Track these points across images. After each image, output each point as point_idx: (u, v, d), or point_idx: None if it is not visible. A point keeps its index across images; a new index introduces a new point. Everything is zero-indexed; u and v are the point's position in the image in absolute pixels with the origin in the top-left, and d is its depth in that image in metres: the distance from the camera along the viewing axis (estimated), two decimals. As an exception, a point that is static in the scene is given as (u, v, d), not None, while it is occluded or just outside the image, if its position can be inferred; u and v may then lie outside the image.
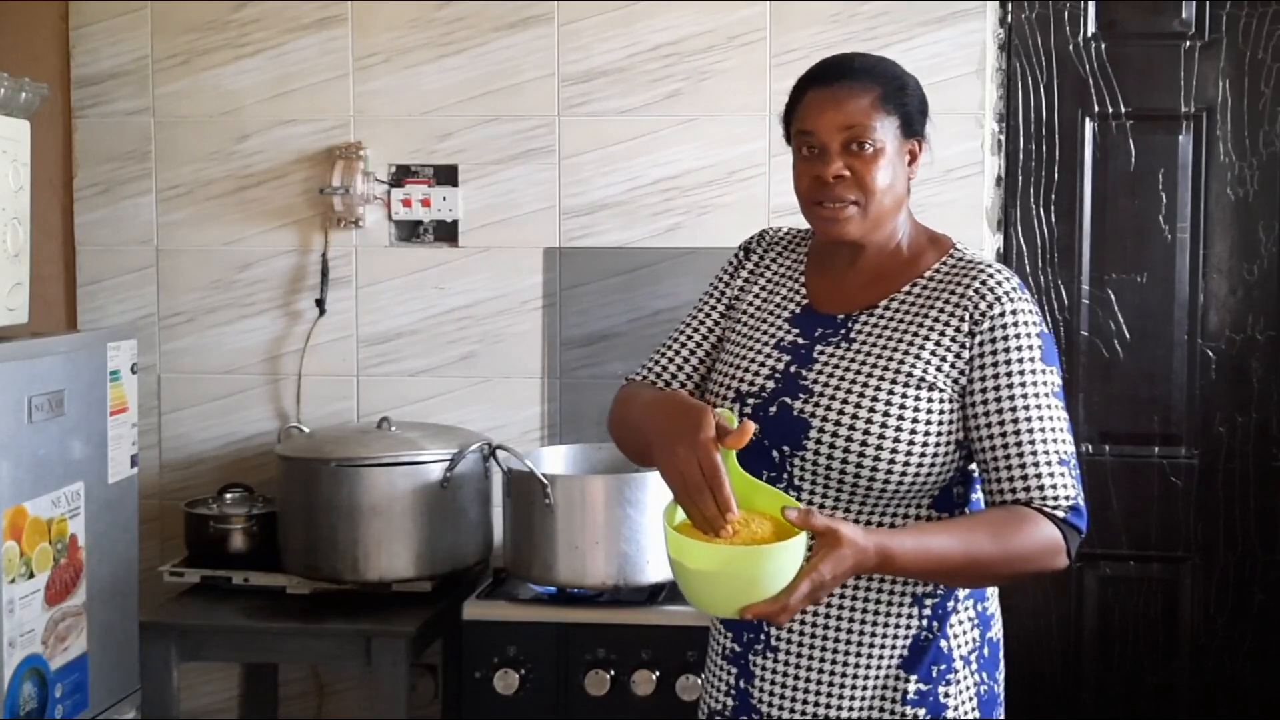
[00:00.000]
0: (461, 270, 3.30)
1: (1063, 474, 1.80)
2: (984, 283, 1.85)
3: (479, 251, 3.29)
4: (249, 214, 3.35)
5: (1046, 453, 1.80)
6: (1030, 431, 1.80)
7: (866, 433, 1.82)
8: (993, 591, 1.95)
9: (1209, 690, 3.24)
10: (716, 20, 3.19)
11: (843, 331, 1.91)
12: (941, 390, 1.83)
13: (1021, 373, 1.81)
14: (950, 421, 1.84)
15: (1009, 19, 3.20)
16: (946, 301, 1.86)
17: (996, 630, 1.96)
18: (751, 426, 1.68)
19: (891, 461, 1.82)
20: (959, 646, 1.89)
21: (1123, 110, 3.18)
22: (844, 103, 1.87)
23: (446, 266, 3.30)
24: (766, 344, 1.94)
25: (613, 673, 2.72)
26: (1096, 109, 3.19)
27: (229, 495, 3.23)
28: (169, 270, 3.38)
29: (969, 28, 3.13)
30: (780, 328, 1.95)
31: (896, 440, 1.81)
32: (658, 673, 2.71)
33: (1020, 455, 1.80)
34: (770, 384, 1.90)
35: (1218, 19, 3.15)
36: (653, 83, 3.22)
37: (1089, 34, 3.19)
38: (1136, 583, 3.24)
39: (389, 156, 3.29)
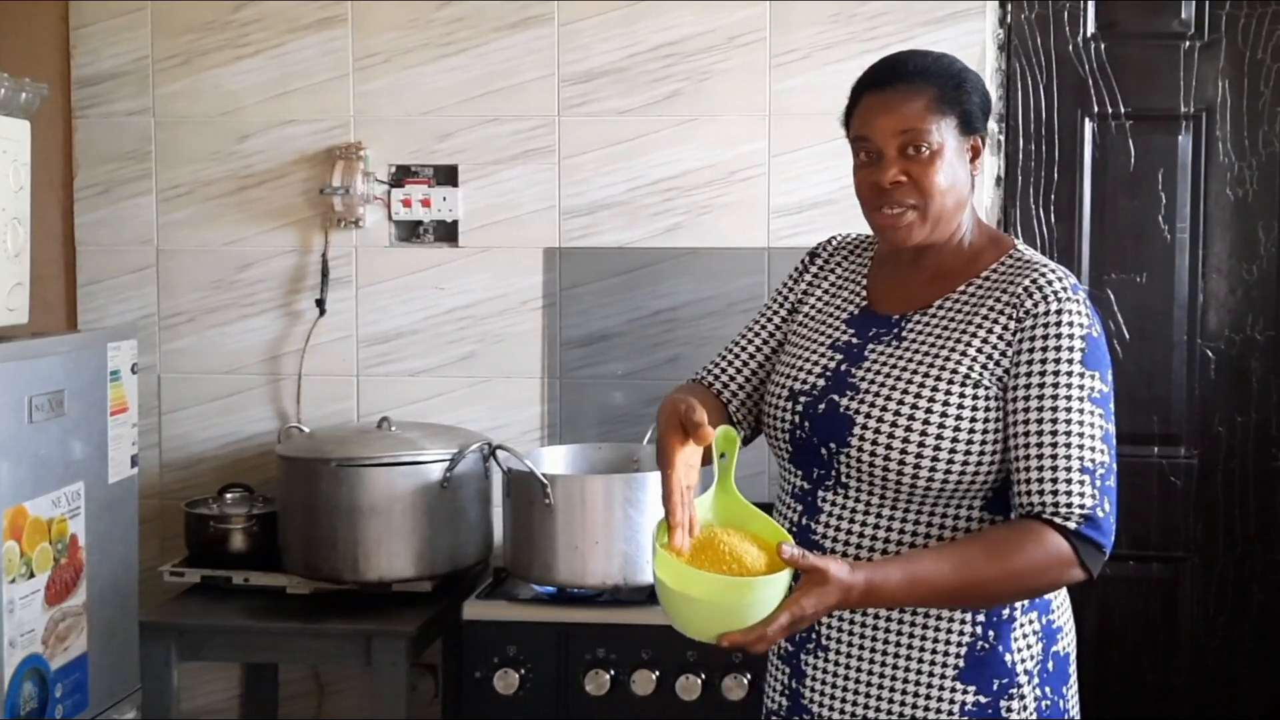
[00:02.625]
0: (461, 270, 3.30)
1: (1082, 483, 1.75)
2: (1034, 280, 1.82)
3: (479, 251, 3.29)
4: (249, 214, 3.35)
5: (1068, 459, 1.75)
6: (1055, 435, 1.76)
7: (909, 429, 1.80)
8: (1060, 603, 1.90)
9: (1208, 690, 3.24)
10: (716, 20, 3.19)
11: (895, 330, 1.90)
12: (988, 388, 1.81)
13: (1057, 374, 1.78)
14: (997, 420, 1.81)
15: (1008, 19, 3.20)
16: (998, 300, 1.84)
17: (1065, 644, 1.90)
18: (708, 435, 1.71)
19: (935, 459, 1.80)
20: (1023, 660, 1.84)
21: (1122, 110, 3.19)
22: (898, 107, 1.85)
23: (446, 266, 3.30)
24: (822, 344, 1.95)
25: (613, 673, 2.72)
26: (1096, 109, 3.19)
27: (229, 495, 3.23)
28: (169, 270, 3.38)
29: (969, 28, 3.13)
30: (837, 328, 1.96)
31: (940, 438, 1.80)
32: (658, 673, 2.71)
33: (1040, 460, 1.76)
34: (821, 382, 1.90)
35: (1217, 19, 3.15)
36: (653, 83, 3.22)
37: (1088, 34, 3.19)
38: (1136, 583, 3.24)
39: (389, 157, 3.29)
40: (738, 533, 1.71)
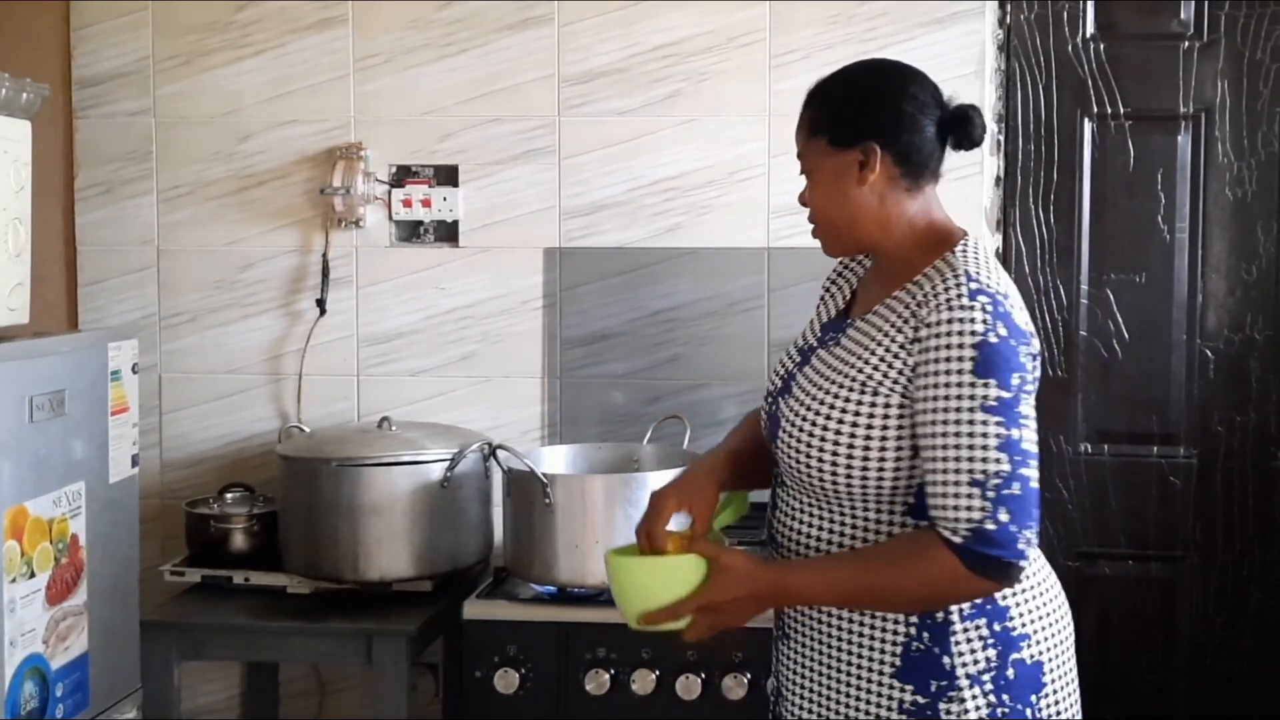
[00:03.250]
0: (462, 270, 3.30)
1: (970, 495, 1.72)
2: (933, 287, 1.82)
3: (479, 251, 3.30)
4: (250, 214, 3.36)
5: (957, 471, 1.73)
6: (944, 449, 1.75)
7: (811, 433, 1.86)
8: (1024, 611, 1.87)
9: (1207, 689, 3.24)
10: (716, 21, 3.20)
11: (839, 335, 1.95)
12: (886, 395, 1.82)
13: (949, 385, 1.75)
14: (899, 429, 1.81)
15: (1008, 20, 3.20)
16: (905, 306, 1.85)
17: (1035, 652, 1.87)
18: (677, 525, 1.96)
19: (835, 462, 1.84)
20: (964, 665, 1.84)
21: (1121, 111, 3.19)
22: (796, 134, 1.99)
23: (447, 266, 3.31)
24: (796, 346, 2.04)
25: (613, 672, 2.73)
26: (1095, 109, 3.20)
27: (230, 495, 3.23)
28: (170, 270, 3.39)
29: (968, 28, 3.14)
30: (814, 331, 2.04)
31: (837, 443, 1.84)
32: (658, 672, 2.71)
33: (932, 474, 1.76)
34: (780, 383, 2.00)
35: (1216, 20, 3.15)
36: (653, 83, 3.22)
37: (1088, 35, 3.19)
38: (1135, 582, 3.25)
39: (389, 157, 3.30)
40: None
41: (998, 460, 1.72)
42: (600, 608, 2.79)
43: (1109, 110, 3.19)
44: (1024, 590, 1.87)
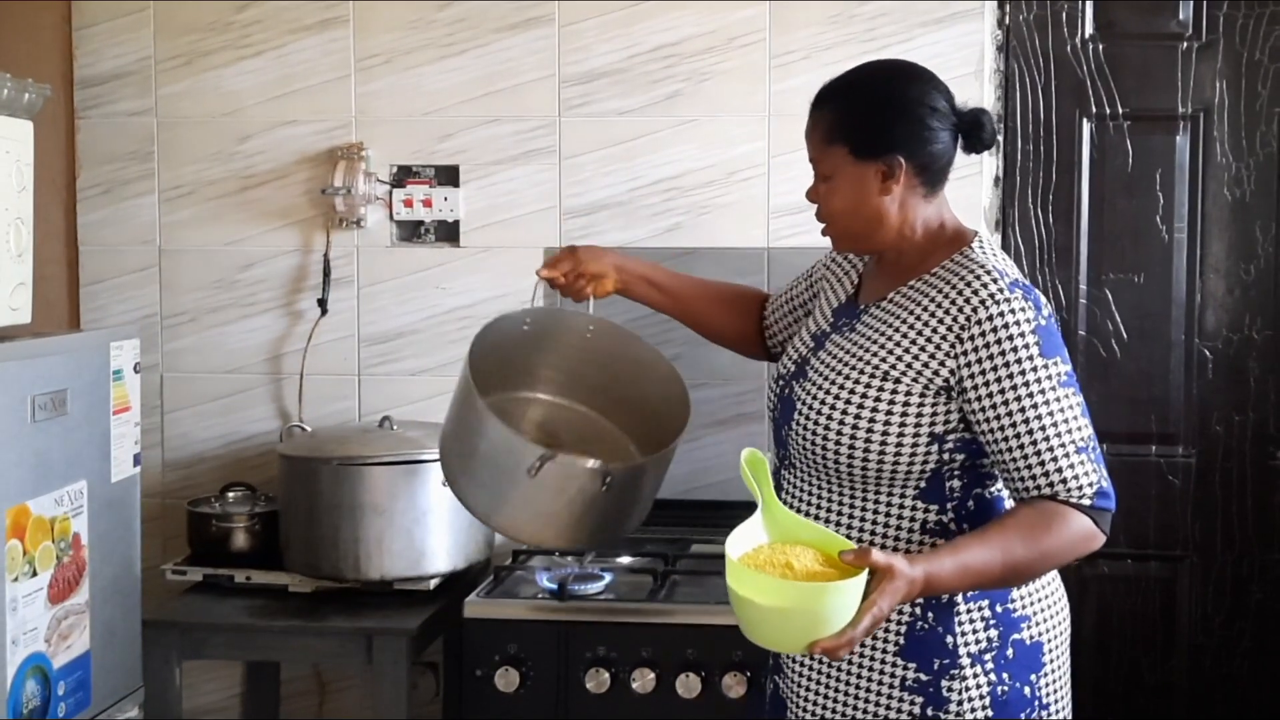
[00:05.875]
0: (463, 270, 3.31)
1: (1081, 462, 1.83)
2: (970, 285, 1.88)
3: (480, 251, 3.30)
4: (251, 214, 3.36)
5: (1063, 444, 1.83)
6: (1043, 428, 1.82)
7: (830, 417, 1.91)
8: (1024, 592, 1.94)
9: (1207, 689, 3.25)
10: (716, 21, 3.20)
11: (853, 321, 2.00)
12: (908, 385, 1.88)
13: (1023, 371, 1.83)
14: (917, 417, 1.88)
15: (1007, 20, 3.21)
16: (934, 301, 1.91)
17: (1035, 632, 1.95)
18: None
19: (852, 447, 1.89)
20: (967, 644, 1.91)
21: (1120, 111, 3.19)
22: (809, 134, 2.01)
23: (448, 266, 3.31)
24: (808, 331, 2.09)
25: (613, 671, 2.73)
26: (1094, 110, 3.20)
27: (231, 494, 3.23)
28: (171, 270, 3.39)
29: (967, 29, 3.14)
30: (824, 316, 2.08)
31: (855, 427, 1.89)
32: (658, 671, 2.72)
33: (1037, 452, 1.83)
34: (792, 367, 2.05)
35: (1215, 20, 3.16)
36: (653, 83, 3.23)
37: (1087, 35, 3.20)
38: (1134, 582, 3.25)
39: (390, 157, 3.30)
40: (794, 545, 1.75)
41: (1085, 425, 1.85)
42: (600, 606, 2.79)
43: (1108, 110, 3.20)
44: None
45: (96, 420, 2.65)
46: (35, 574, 2.44)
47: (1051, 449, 1.83)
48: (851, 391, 1.91)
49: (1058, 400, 1.83)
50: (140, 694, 2.81)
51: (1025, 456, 1.84)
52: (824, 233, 2.03)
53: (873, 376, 1.90)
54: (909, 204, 1.95)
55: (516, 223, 3.29)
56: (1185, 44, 3.17)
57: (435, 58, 3.28)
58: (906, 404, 1.88)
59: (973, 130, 1.98)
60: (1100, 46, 3.20)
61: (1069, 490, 1.83)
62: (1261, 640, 3.23)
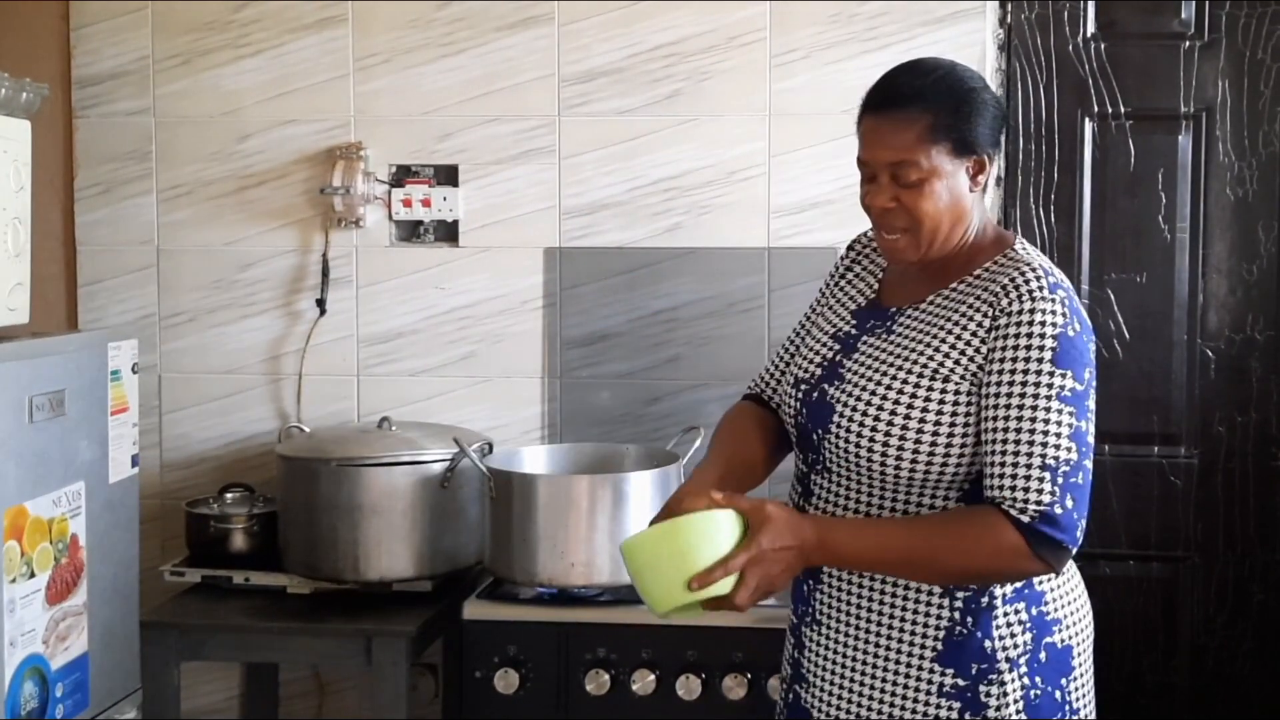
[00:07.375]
0: (462, 270, 3.30)
1: (1041, 479, 1.77)
2: (1011, 279, 1.87)
3: (479, 251, 3.29)
4: (250, 214, 3.35)
5: (1029, 455, 1.78)
6: (1019, 432, 1.79)
7: (877, 419, 1.87)
8: (1057, 596, 1.92)
9: (1208, 689, 3.24)
10: (716, 20, 3.19)
11: (888, 323, 1.96)
12: (959, 383, 1.85)
13: (1026, 371, 1.81)
14: (967, 414, 1.85)
15: (1008, 19, 3.20)
16: (978, 298, 1.89)
17: (1064, 636, 1.92)
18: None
19: (902, 448, 1.86)
20: (1004, 648, 1.88)
21: (1122, 110, 3.19)
22: (889, 137, 1.88)
23: (447, 266, 3.31)
24: (827, 333, 2.03)
25: (613, 672, 2.73)
26: (1096, 109, 3.19)
27: (230, 495, 3.23)
28: (170, 270, 3.38)
29: (969, 28, 3.13)
30: (844, 319, 2.03)
31: (905, 428, 1.85)
32: (658, 672, 2.71)
33: (1003, 454, 1.80)
34: (819, 370, 1.99)
35: (1217, 19, 3.15)
36: (653, 83, 3.22)
37: (1088, 34, 3.19)
38: (1136, 582, 3.24)
39: (389, 156, 3.30)
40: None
41: (1069, 449, 1.79)
42: (600, 608, 2.79)
43: (1110, 110, 3.19)
44: (1055, 576, 1.90)
45: (95, 421, 2.64)
46: (33, 575, 2.43)
47: (1017, 456, 1.78)
48: (900, 391, 1.87)
49: (1047, 411, 1.79)
50: (138, 695, 2.80)
51: (992, 454, 1.81)
52: (892, 240, 1.92)
53: (921, 375, 1.86)
54: (979, 201, 1.96)
55: (516, 222, 3.28)
56: (1187, 43, 3.16)
57: (434, 57, 3.27)
58: (957, 402, 1.85)
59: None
60: (1102, 46, 3.19)
61: (1012, 501, 1.77)
62: (1263, 641, 3.22)
